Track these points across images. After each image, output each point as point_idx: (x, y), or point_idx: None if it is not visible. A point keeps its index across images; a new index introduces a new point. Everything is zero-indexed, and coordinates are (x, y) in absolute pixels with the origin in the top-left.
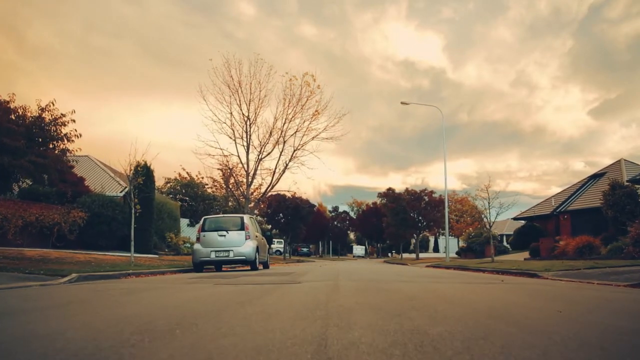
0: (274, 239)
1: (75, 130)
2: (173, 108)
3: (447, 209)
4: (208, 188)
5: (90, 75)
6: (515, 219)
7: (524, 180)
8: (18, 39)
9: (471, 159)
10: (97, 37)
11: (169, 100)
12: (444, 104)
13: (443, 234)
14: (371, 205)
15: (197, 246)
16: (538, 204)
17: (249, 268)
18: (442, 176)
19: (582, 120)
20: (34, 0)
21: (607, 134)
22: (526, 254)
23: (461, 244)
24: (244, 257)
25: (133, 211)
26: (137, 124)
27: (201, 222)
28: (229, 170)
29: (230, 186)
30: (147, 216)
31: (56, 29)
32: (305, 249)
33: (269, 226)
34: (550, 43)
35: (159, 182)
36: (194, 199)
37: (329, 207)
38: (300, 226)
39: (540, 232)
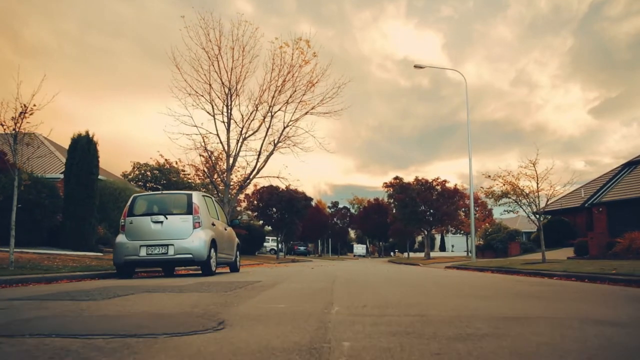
0: (267, 237)
1: None
2: (171, 108)
3: (472, 201)
4: (187, 175)
5: (87, 74)
6: (536, 213)
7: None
8: (15, 38)
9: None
10: (94, 36)
11: (167, 100)
12: (444, 103)
13: (451, 231)
14: (372, 201)
15: (120, 238)
16: (564, 196)
17: (201, 272)
18: (443, 176)
19: (583, 119)
20: None
21: (608, 132)
22: (566, 252)
23: (476, 241)
24: (190, 255)
25: (16, 182)
26: (135, 123)
27: (129, 201)
28: (211, 159)
29: (215, 176)
30: (88, 202)
31: (53, 28)
32: (302, 248)
33: (260, 222)
34: (551, 42)
35: (126, 167)
36: (168, 187)
37: (328, 203)
38: (296, 222)
39: (570, 227)
